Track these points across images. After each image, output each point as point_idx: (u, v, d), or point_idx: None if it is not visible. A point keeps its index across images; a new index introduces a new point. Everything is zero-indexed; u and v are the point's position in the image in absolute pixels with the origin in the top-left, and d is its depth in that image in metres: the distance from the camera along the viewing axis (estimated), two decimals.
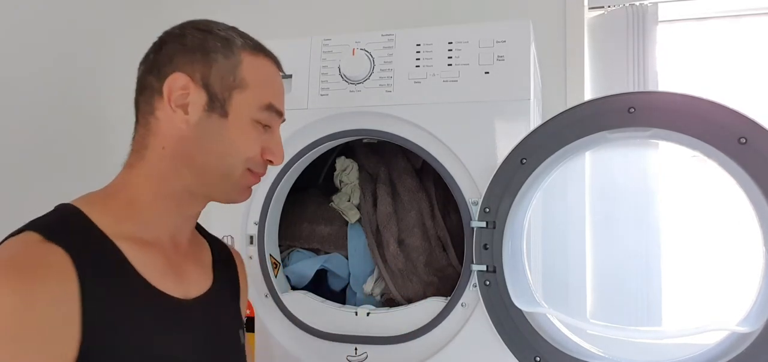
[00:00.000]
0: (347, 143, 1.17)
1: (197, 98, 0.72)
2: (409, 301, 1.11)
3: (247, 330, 1.13)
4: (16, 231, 0.65)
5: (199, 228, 0.88)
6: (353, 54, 1.08)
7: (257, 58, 0.77)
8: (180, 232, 0.79)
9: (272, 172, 1.11)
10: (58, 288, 0.61)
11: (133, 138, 0.76)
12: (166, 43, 0.74)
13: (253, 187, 0.81)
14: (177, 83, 0.71)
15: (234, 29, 0.78)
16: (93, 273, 0.64)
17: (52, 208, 0.70)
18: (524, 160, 0.95)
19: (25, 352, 0.58)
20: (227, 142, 0.74)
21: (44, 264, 0.61)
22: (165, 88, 0.71)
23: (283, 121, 0.82)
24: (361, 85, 1.07)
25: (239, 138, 0.74)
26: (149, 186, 0.73)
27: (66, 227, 0.66)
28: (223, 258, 0.88)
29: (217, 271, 0.84)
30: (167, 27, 0.77)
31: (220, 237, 1.16)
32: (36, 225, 0.65)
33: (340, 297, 1.22)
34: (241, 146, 0.75)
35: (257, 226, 1.12)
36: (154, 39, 0.76)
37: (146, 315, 0.69)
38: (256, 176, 0.79)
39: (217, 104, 0.73)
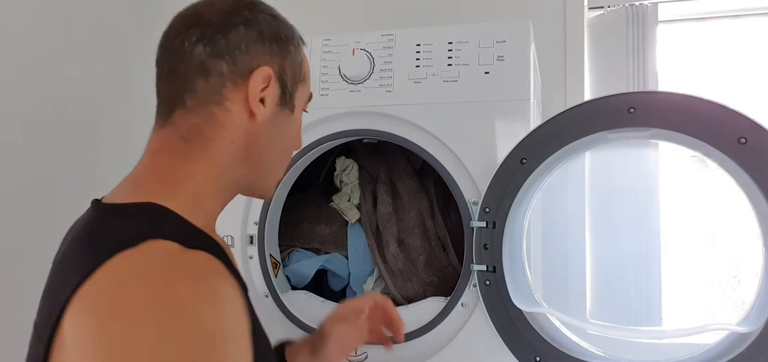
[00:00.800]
0: (347, 143, 1.17)
1: (273, 92, 0.67)
2: (409, 301, 1.11)
3: None
4: (120, 245, 0.53)
5: None
6: (353, 54, 1.08)
7: (304, 49, 0.74)
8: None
9: None
10: (238, 296, 0.55)
11: (173, 122, 0.66)
12: (235, 25, 0.65)
13: None
14: (260, 76, 0.65)
15: (287, 24, 0.73)
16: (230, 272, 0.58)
17: (114, 214, 0.61)
18: (524, 160, 0.95)
19: (247, 343, 0.54)
20: (291, 136, 0.72)
21: (219, 274, 0.55)
22: (251, 82, 0.65)
23: None
24: (361, 85, 1.07)
25: (297, 133, 0.74)
26: (213, 179, 0.66)
27: (176, 228, 0.59)
28: None
29: None
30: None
31: (221, 237, 1.16)
32: (154, 234, 0.55)
33: (340, 297, 1.22)
34: (297, 140, 0.74)
35: (257, 226, 1.12)
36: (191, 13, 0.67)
37: (251, 309, 0.63)
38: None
39: (287, 98, 0.70)
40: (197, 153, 0.65)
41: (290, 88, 0.70)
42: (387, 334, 0.90)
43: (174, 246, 0.54)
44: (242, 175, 0.69)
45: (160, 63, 0.68)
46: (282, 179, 0.78)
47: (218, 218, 1.08)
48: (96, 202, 0.65)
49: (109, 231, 0.57)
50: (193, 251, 0.55)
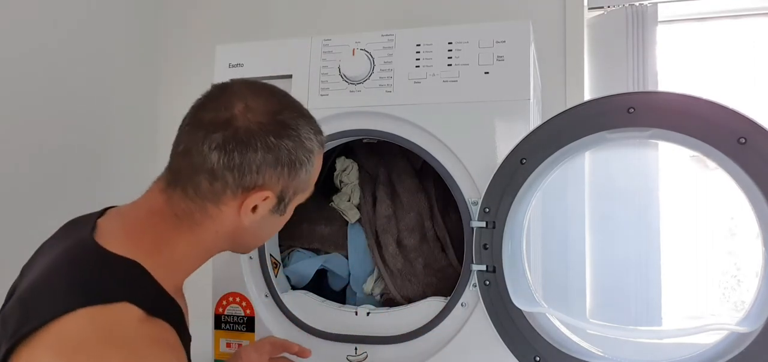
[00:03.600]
0: (347, 143, 1.17)
1: (269, 204, 0.74)
2: (409, 301, 1.11)
3: (247, 330, 1.13)
4: (98, 298, 0.62)
5: None
6: (353, 54, 1.08)
7: (320, 155, 0.78)
8: None
9: None
10: (179, 354, 0.67)
11: (173, 198, 0.72)
12: (255, 147, 0.69)
13: None
14: (260, 197, 0.71)
15: (312, 123, 0.76)
16: (182, 341, 0.69)
17: (102, 261, 0.67)
18: (524, 160, 0.95)
19: None
20: (274, 229, 0.81)
21: (171, 342, 0.66)
22: (248, 199, 0.71)
23: None
24: (361, 85, 1.07)
25: (287, 218, 0.80)
26: (195, 251, 0.74)
27: (150, 295, 0.67)
28: None
29: None
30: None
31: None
32: (124, 296, 0.63)
33: (340, 297, 1.22)
34: (278, 229, 0.82)
35: None
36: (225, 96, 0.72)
37: None
38: None
39: (282, 208, 0.76)
40: (184, 230, 0.72)
41: (287, 200, 0.75)
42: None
43: (141, 313, 0.63)
44: (224, 248, 0.78)
45: (180, 136, 0.73)
46: None
47: None
48: (101, 214, 0.74)
49: (92, 278, 0.64)
50: (155, 320, 0.64)
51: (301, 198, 0.78)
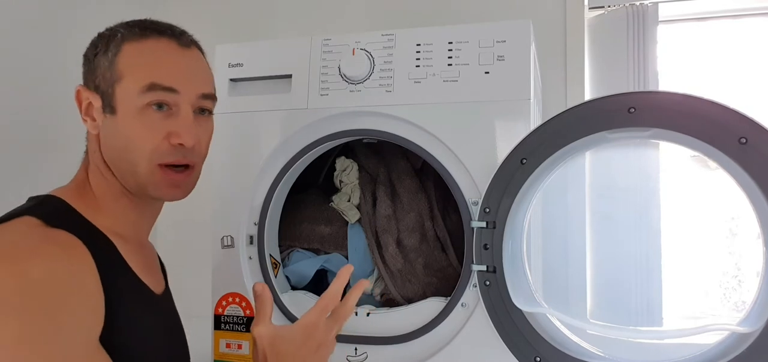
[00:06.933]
0: (347, 143, 1.17)
1: (95, 103, 0.75)
2: (409, 301, 1.11)
3: (247, 331, 1.13)
4: (3, 219, 0.67)
5: None
6: (353, 54, 1.08)
7: (141, 42, 0.75)
8: (142, 230, 0.82)
9: (272, 172, 1.11)
10: (82, 264, 0.64)
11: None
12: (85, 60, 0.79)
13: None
14: (80, 96, 0.76)
15: (127, 23, 0.78)
16: (99, 259, 0.66)
17: (25, 200, 0.73)
18: (524, 160, 0.95)
19: (79, 314, 0.62)
20: (122, 137, 0.74)
21: (61, 243, 0.64)
22: (76, 103, 0.77)
23: (206, 98, 0.78)
24: (361, 85, 1.07)
25: (132, 131, 0.73)
26: (101, 184, 0.77)
27: (61, 215, 0.69)
28: (160, 260, 0.92)
29: (163, 273, 0.91)
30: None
31: (219, 237, 1.16)
32: (27, 212, 0.67)
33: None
34: (136, 139, 0.73)
35: (257, 226, 1.12)
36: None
37: (139, 306, 0.74)
38: (169, 171, 0.76)
39: (107, 103, 0.74)
40: (88, 163, 0.78)
41: (107, 93, 0.74)
42: None
43: (36, 222, 0.66)
44: (116, 182, 0.76)
45: None
46: (169, 179, 0.76)
47: (218, 217, 1.07)
48: None
49: (13, 211, 0.69)
50: (53, 229, 0.65)
51: (126, 90, 0.73)
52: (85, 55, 0.78)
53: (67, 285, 0.61)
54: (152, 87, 0.73)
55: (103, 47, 0.75)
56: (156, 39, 0.76)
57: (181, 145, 0.74)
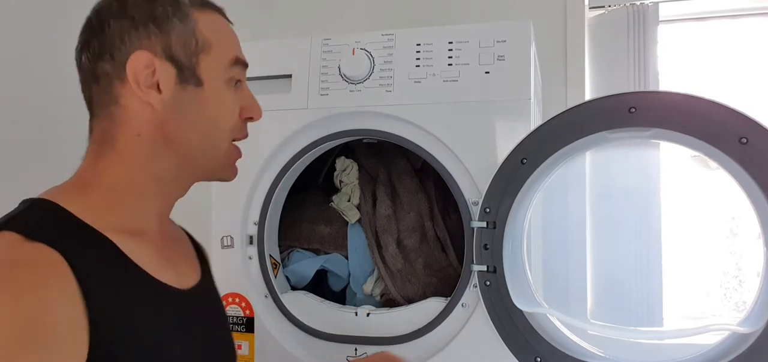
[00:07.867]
0: (347, 143, 1.17)
1: (166, 73, 0.66)
2: (409, 301, 1.11)
3: (247, 331, 1.12)
4: None
5: None
6: (353, 54, 1.08)
7: (207, 13, 0.70)
8: (165, 220, 0.74)
9: (272, 172, 1.11)
10: (56, 290, 0.55)
11: (92, 131, 0.69)
12: (107, 22, 0.66)
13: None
14: (140, 63, 0.64)
15: None
16: (90, 269, 0.58)
17: (16, 205, 0.64)
18: (524, 160, 0.95)
19: (46, 357, 0.53)
20: (209, 112, 0.69)
21: (35, 266, 0.56)
22: (129, 72, 0.64)
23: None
24: (361, 84, 1.07)
25: (220, 105, 0.69)
26: (128, 174, 0.67)
27: (47, 223, 0.61)
28: (200, 250, 0.84)
29: (202, 263, 0.81)
30: None
31: (219, 237, 1.15)
32: (9, 225, 0.58)
33: (340, 297, 1.22)
34: (224, 114, 0.70)
35: (257, 226, 1.12)
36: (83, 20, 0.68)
37: (151, 308, 0.65)
38: (238, 150, 0.74)
39: (188, 74, 0.67)
40: (107, 154, 0.67)
41: (188, 63, 0.67)
42: None
43: (15, 238, 0.57)
44: (174, 164, 0.69)
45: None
46: (237, 157, 0.74)
47: (218, 217, 1.06)
48: None
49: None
50: (31, 244, 0.56)
51: (211, 63, 0.68)
52: (131, 16, 0.65)
53: (34, 323, 0.53)
54: (237, 61, 0.71)
55: (171, 10, 0.66)
56: (214, 13, 0.71)
57: (250, 119, 0.73)
